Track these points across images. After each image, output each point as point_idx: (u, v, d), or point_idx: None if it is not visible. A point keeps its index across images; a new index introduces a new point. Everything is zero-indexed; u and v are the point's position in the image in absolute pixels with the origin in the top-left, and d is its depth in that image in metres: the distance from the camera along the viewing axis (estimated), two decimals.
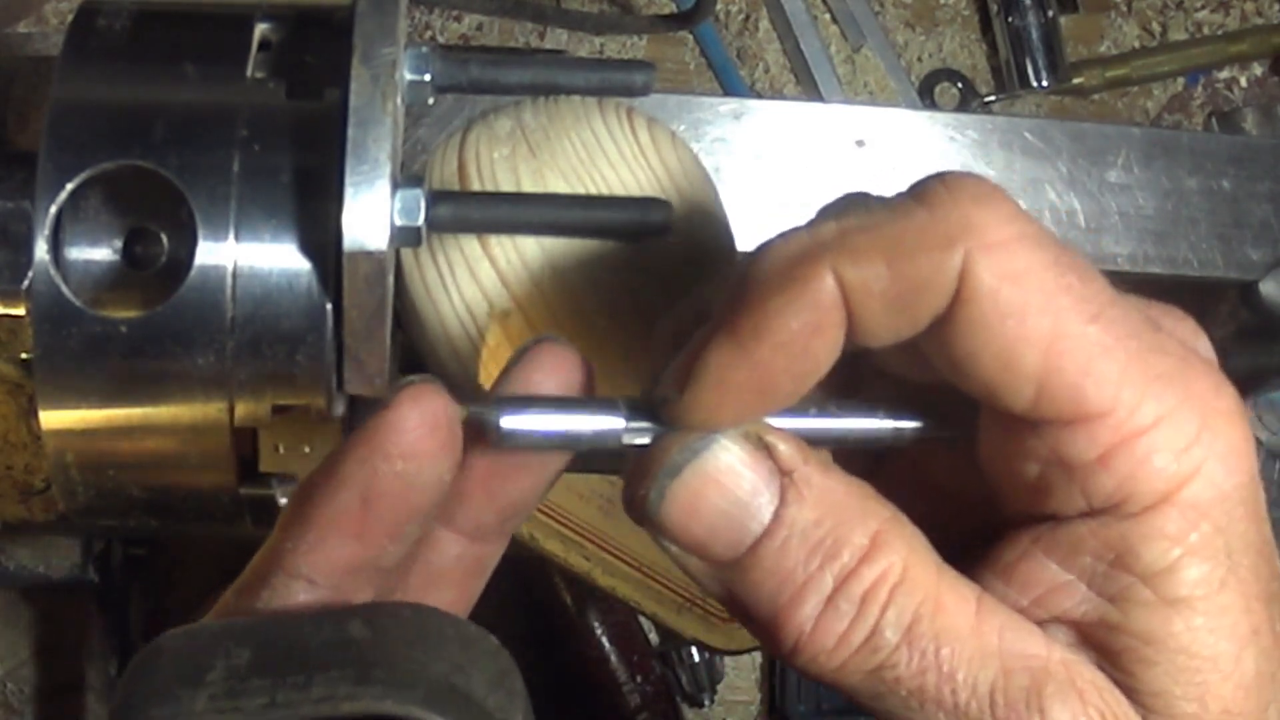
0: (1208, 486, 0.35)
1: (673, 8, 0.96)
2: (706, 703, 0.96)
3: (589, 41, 0.95)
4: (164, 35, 0.43)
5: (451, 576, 0.41)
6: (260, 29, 0.43)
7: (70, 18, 0.43)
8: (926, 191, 0.35)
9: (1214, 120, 1.00)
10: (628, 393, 0.44)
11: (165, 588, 1.01)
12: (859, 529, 0.36)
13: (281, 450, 0.43)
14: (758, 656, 0.99)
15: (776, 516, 0.36)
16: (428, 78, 0.42)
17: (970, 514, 0.39)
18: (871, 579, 0.35)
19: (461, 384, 0.44)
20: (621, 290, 0.42)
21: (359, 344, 0.40)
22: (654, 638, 0.95)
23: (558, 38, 0.96)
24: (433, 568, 0.40)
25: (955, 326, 0.35)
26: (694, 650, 0.96)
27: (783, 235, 0.36)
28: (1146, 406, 0.35)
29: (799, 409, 0.37)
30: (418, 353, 0.45)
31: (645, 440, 0.36)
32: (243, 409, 0.41)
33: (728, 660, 0.98)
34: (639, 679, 0.93)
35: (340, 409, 0.42)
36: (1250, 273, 0.76)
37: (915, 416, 0.38)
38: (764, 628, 0.36)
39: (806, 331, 0.35)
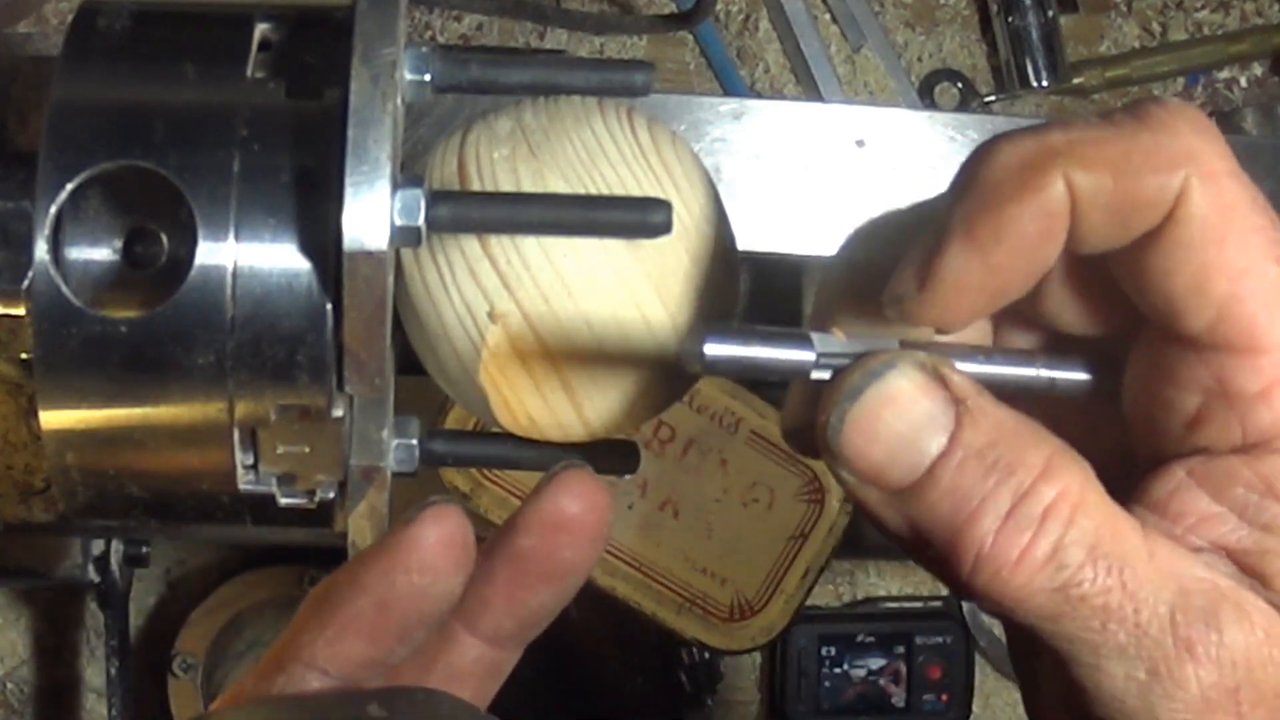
0: None
1: (673, 8, 0.96)
2: (707, 703, 0.96)
3: (589, 41, 0.95)
4: (164, 35, 0.43)
5: (469, 677, 0.44)
6: (260, 29, 0.43)
7: (70, 18, 0.43)
8: (1150, 115, 0.37)
9: (1214, 120, 1.00)
10: (624, 394, 0.44)
11: (165, 588, 1.01)
12: (1033, 452, 0.37)
13: (281, 450, 0.43)
14: (758, 656, 0.99)
15: (953, 439, 0.37)
16: (428, 78, 0.42)
17: (1115, 468, 0.40)
18: (1051, 496, 0.36)
19: (462, 384, 0.44)
20: (622, 291, 0.42)
21: (359, 344, 0.40)
22: (654, 638, 0.95)
23: (558, 38, 0.96)
24: (453, 668, 0.44)
25: (1159, 244, 0.37)
26: (694, 650, 0.96)
27: (1007, 138, 0.37)
28: None
29: (962, 352, 0.39)
30: (418, 353, 0.45)
31: (835, 368, 0.38)
32: (243, 409, 0.41)
33: (728, 660, 0.98)
34: (639, 679, 0.93)
35: (340, 409, 0.42)
36: None
37: (1074, 366, 0.40)
38: (942, 552, 0.37)
39: (1040, 235, 0.37)
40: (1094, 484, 0.37)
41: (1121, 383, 0.40)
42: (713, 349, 0.37)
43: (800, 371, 0.38)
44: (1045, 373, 0.40)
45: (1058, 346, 0.41)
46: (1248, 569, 0.38)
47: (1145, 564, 0.36)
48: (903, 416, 0.37)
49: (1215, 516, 0.38)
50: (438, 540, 0.40)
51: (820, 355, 0.38)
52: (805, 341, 0.38)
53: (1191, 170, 0.37)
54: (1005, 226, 0.37)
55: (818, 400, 0.38)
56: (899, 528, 0.38)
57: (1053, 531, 0.36)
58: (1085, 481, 0.37)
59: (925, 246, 0.38)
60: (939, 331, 0.39)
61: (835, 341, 0.38)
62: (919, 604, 1.02)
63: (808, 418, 0.39)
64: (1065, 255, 0.38)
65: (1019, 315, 0.41)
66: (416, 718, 0.38)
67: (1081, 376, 0.40)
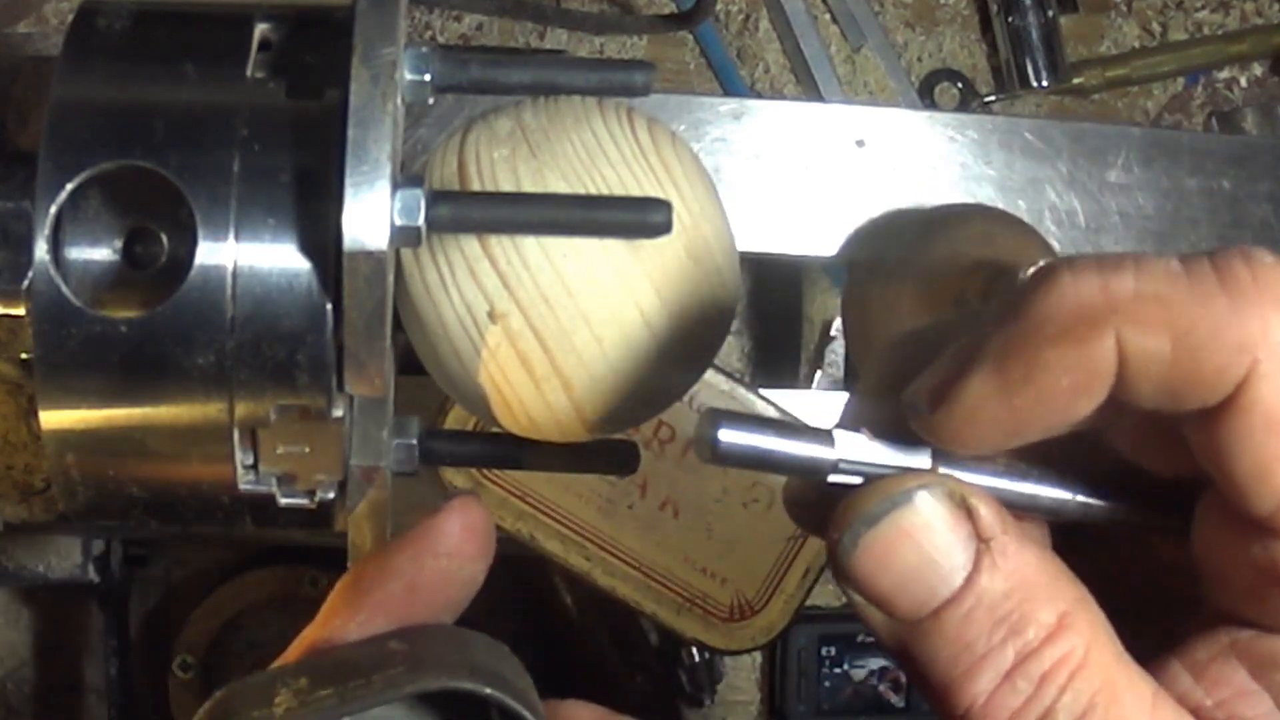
0: None
1: (673, 8, 0.96)
2: (706, 703, 0.96)
3: (589, 41, 0.95)
4: (164, 35, 0.43)
5: None
6: (260, 29, 0.43)
7: (70, 18, 0.43)
8: (1230, 271, 0.34)
9: (1214, 120, 1.00)
10: (624, 394, 0.44)
11: (165, 588, 1.01)
12: (1048, 606, 0.35)
13: (281, 450, 0.43)
14: (758, 656, 0.99)
15: (968, 583, 0.35)
16: (428, 78, 0.42)
17: (1155, 606, 0.39)
18: (1053, 660, 0.35)
19: (462, 384, 0.44)
20: (622, 291, 0.42)
21: (359, 344, 0.40)
22: (654, 638, 0.95)
23: (558, 38, 0.96)
24: None
25: (1222, 422, 0.34)
26: (694, 650, 0.96)
27: (1074, 272, 0.34)
28: None
29: (996, 467, 0.37)
30: (418, 353, 0.45)
31: (853, 480, 0.36)
32: (243, 409, 0.41)
33: (728, 660, 0.98)
34: (639, 679, 0.93)
35: (340, 409, 0.42)
36: None
37: (1113, 497, 0.38)
38: (936, 692, 0.36)
39: (1075, 389, 0.34)
40: (1105, 642, 0.36)
41: (1180, 526, 0.38)
42: (727, 437, 0.35)
43: (818, 471, 0.36)
44: (1081, 499, 0.38)
45: (1125, 477, 0.38)
46: None
47: None
48: (919, 552, 0.35)
49: (1250, 695, 0.36)
50: (463, 527, 0.42)
51: (842, 460, 0.36)
52: (826, 440, 0.36)
53: (1263, 353, 0.33)
54: (1038, 371, 0.34)
55: (829, 494, 0.36)
56: (898, 652, 0.37)
57: (1046, 697, 0.35)
58: (1094, 639, 0.35)
59: (952, 362, 0.36)
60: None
61: (860, 444, 0.36)
62: None
63: (811, 497, 0.38)
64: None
65: (1115, 442, 0.39)
66: (436, 643, 0.40)
67: (1116, 506, 0.38)
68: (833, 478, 0.36)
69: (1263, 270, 0.34)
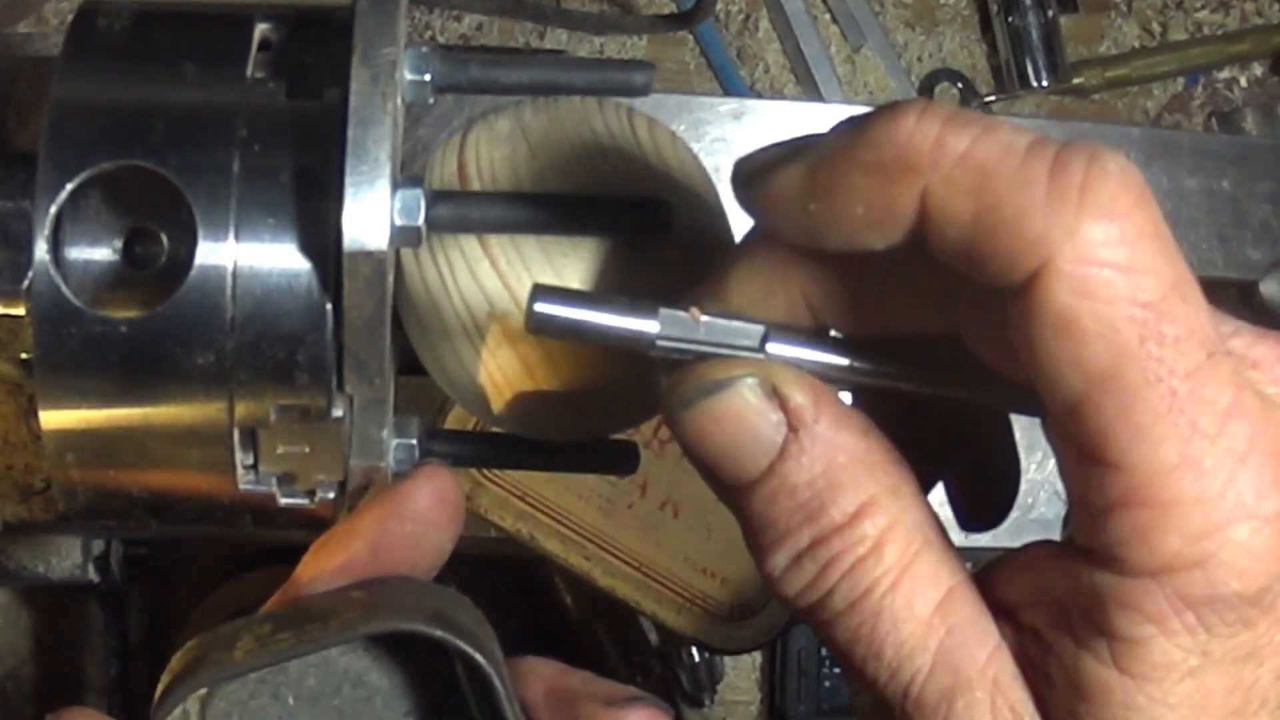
0: (1203, 583, 0.34)
1: (673, 8, 0.96)
2: (706, 703, 0.96)
3: (589, 41, 0.95)
4: (164, 35, 0.43)
5: None
6: (260, 29, 0.43)
7: (70, 18, 0.43)
8: (1065, 167, 0.34)
9: (1214, 120, 1.00)
10: (624, 394, 0.44)
11: (165, 588, 1.01)
12: (849, 495, 0.37)
13: (281, 450, 0.43)
14: (758, 656, 0.99)
15: (771, 468, 0.37)
16: (428, 78, 0.42)
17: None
18: (841, 546, 0.36)
19: (462, 384, 0.44)
20: (621, 291, 0.42)
21: (359, 344, 0.40)
22: (654, 638, 0.95)
23: (558, 38, 0.96)
24: None
25: (1017, 317, 0.34)
26: (694, 650, 0.96)
27: (919, 117, 0.34)
28: (1171, 484, 0.34)
29: (825, 345, 0.38)
30: (418, 353, 0.45)
31: (676, 353, 0.37)
32: (243, 409, 0.41)
33: (728, 660, 0.98)
34: (639, 679, 0.93)
35: (340, 409, 0.42)
36: (1250, 273, 0.76)
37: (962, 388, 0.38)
38: (751, 550, 0.38)
39: (868, 220, 0.35)
40: (906, 531, 0.36)
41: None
42: (545, 308, 0.36)
43: (639, 345, 0.37)
44: (905, 386, 0.38)
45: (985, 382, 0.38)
46: (1042, 668, 0.36)
47: (907, 625, 0.36)
48: (728, 435, 0.37)
49: (1050, 604, 0.36)
50: (430, 494, 0.42)
51: (661, 335, 0.37)
52: (650, 314, 0.37)
53: (1059, 254, 0.33)
54: (840, 189, 0.35)
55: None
56: (728, 507, 0.38)
57: (828, 580, 0.36)
58: (893, 528, 0.36)
59: (783, 150, 0.37)
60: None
61: (684, 322, 0.37)
62: None
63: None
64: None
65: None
66: (392, 595, 0.41)
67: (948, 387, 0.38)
68: (655, 354, 0.37)
69: (1096, 176, 0.33)
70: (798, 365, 0.38)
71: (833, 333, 0.39)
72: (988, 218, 0.34)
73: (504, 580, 0.94)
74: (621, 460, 0.47)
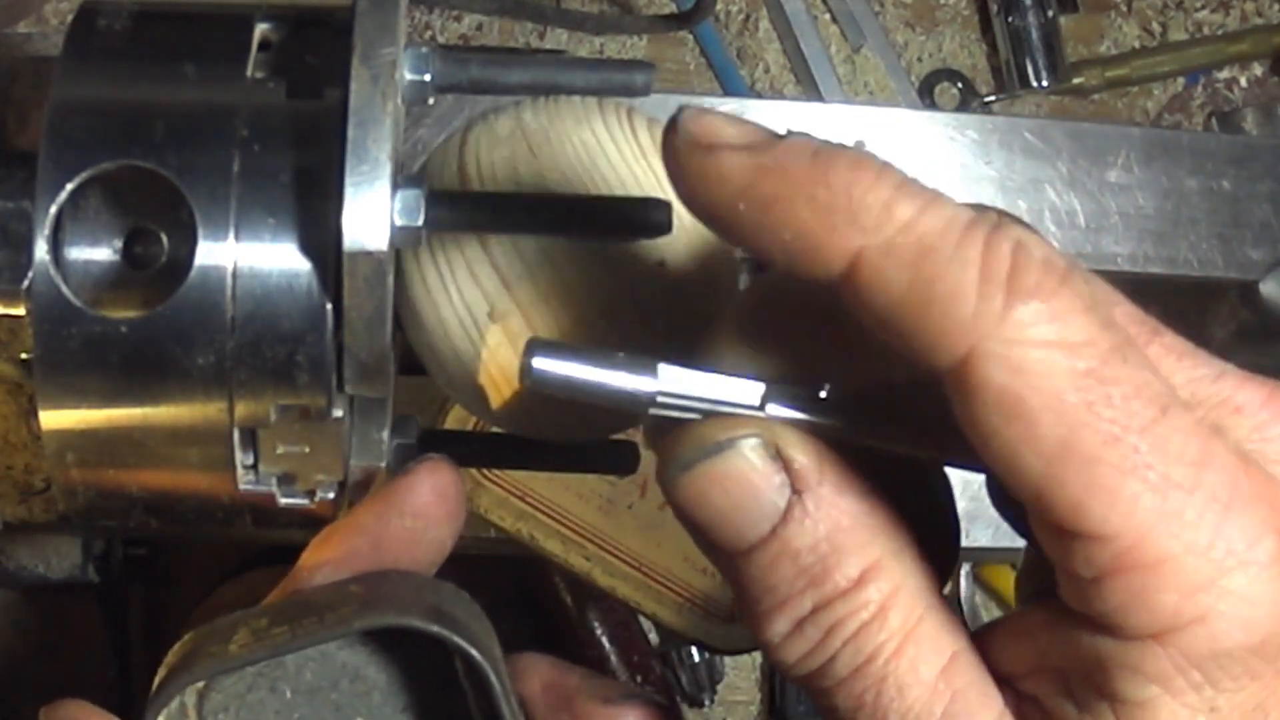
0: (1206, 639, 0.33)
1: (673, 8, 0.96)
2: (706, 703, 0.96)
3: (589, 41, 0.95)
4: (164, 35, 0.43)
5: None
6: (260, 29, 0.43)
7: (70, 18, 0.43)
8: (996, 250, 0.33)
9: (1214, 120, 1.00)
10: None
11: (165, 588, 1.01)
12: (854, 559, 0.36)
13: (281, 450, 0.43)
14: (758, 656, 0.99)
15: (773, 532, 0.36)
16: (428, 78, 0.42)
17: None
18: (845, 612, 0.36)
19: (461, 384, 0.44)
20: (622, 291, 0.42)
21: (359, 344, 0.40)
22: (654, 638, 0.95)
23: (558, 38, 0.96)
24: None
25: (959, 406, 0.33)
26: (694, 650, 0.96)
27: (877, 176, 0.34)
28: (1157, 542, 0.33)
29: (826, 406, 0.37)
30: (418, 353, 0.45)
31: (675, 411, 0.36)
32: (243, 409, 0.41)
33: (728, 660, 0.98)
34: (639, 679, 0.93)
35: (340, 409, 0.42)
36: (1250, 273, 0.76)
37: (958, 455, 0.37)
38: (746, 618, 0.37)
39: (790, 250, 0.34)
40: (910, 596, 0.36)
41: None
42: (542, 365, 0.35)
43: (638, 404, 0.36)
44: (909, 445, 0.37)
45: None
46: None
47: (912, 692, 0.35)
48: (729, 499, 0.36)
49: (1052, 673, 0.36)
50: (431, 489, 0.43)
51: (660, 394, 0.36)
52: (649, 371, 0.36)
53: (990, 337, 0.32)
54: (774, 206, 0.34)
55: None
56: (721, 572, 0.37)
57: (830, 647, 0.36)
58: (897, 594, 0.36)
59: (740, 127, 0.35)
60: None
61: (687, 378, 0.36)
62: None
63: (668, 426, 0.37)
64: None
65: None
66: (389, 589, 0.41)
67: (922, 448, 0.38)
68: (654, 411, 0.36)
69: (1022, 261, 0.33)
70: (799, 423, 0.37)
71: (824, 392, 0.38)
72: (921, 293, 0.33)
73: (504, 580, 0.94)
74: (621, 460, 0.47)
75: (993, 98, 0.99)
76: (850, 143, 0.77)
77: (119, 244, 0.42)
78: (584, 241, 0.42)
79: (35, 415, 0.41)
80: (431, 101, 0.42)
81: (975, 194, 0.75)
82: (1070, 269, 0.33)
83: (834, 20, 0.97)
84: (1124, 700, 0.34)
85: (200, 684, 0.40)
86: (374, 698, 0.42)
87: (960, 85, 0.98)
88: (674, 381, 0.36)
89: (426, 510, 0.43)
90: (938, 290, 0.33)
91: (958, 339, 0.33)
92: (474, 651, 0.39)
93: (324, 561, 0.42)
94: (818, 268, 0.34)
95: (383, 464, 0.45)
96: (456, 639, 0.39)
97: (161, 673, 0.40)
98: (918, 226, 0.33)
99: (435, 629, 0.39)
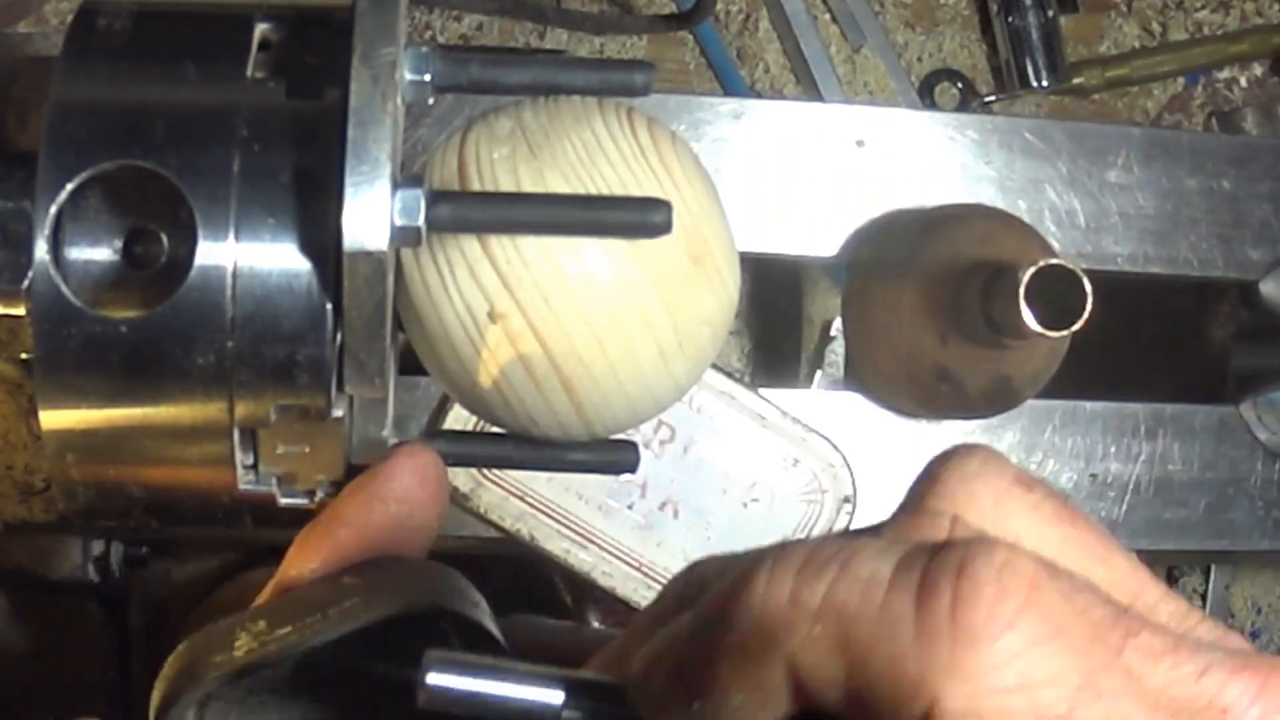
0: None
1: (673, 8, 0.96)
2: None
3: (589, 41, 0.95)
4: (164, 35, 0.43)
5: None
6: (260, 29, 0.43)
7: (70, 18, 0.43)
8: (932, 591, 0.30)
9: (1214, 120, 1.00)
10: (624, 394, 0.44)
11: (165, 588, 1.01)
12: None
13: (281, 450, 0.43)
14: None
15: None
16: (428, 78, 0.42)
17: None
18: None
19: (461, 384, 0.44)
20: (622, 291, 0.42)
21: (359, 344, 0.40)
22: None
23: (558, 38, 0.96)
24: None
25: None
26: None
27: (769, 578, 0.31)
28: None
29: None
30: (418, 353, 0.45)
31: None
32: (243, 409, 0.41)
33: None
34: None
35: (340, 409, 0.42)
36: (1250, 273, 0.76)
37: None
38: None
39: (750, 706, 0.31)
40: None
41: None
42: (437, 680, 0.33)
43: (545, 716, 0.34)
44: None
45: None
46: None
47: None
48: None
49: None
50: (411, 473, 0.42)
51: (566, 709, 0.33)
52: (554, 685, 0.34)
53: (946, 693, 0.29)
54: (713, 684, 0.32)
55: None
56: None
57: None
58: None
59: (667, 640, 0.33)
60: None
61: (588, 689, 0.34)
62: None
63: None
64: None
65: None
66: (384, 578, 0.41)
67: None
68: (567, 716, 0.34)
69: (967, 593, 0.30)
70: None
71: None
72: (860, 672, 0.30)
73: (504, 580, 0.94)
74: (621, 460, 0.47)
75: (993, 98, 0.99)
76: (850, 143, 0.77)
77: (119, 244, 0.42)
78: (584, 241, 0.42)
79: (35, 415, 0.42)
80: (431, 101, 0.42)
81: (975, 194, 0.75)
82: (1037, 574, 0.30)
83: (834, 20, 0.97)
84: None
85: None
86: (373, 688, 0.41)
87: (960, 85, 0.98)
88: (578, 693, 0.34)
89: (409, 495, 0.42)
90: (875, 663, 0.30)
91: (913, 705, 0.30)
92: (492, 627, 0.39)
93: (312, 558, 0.42)
94: (781, 704, 0.32)
95: None
96: (472, 617, 0.39)
97: (161, 686, 0.40)
98: (833, 604, 0.30)
99: (450, 609, 0.39)
